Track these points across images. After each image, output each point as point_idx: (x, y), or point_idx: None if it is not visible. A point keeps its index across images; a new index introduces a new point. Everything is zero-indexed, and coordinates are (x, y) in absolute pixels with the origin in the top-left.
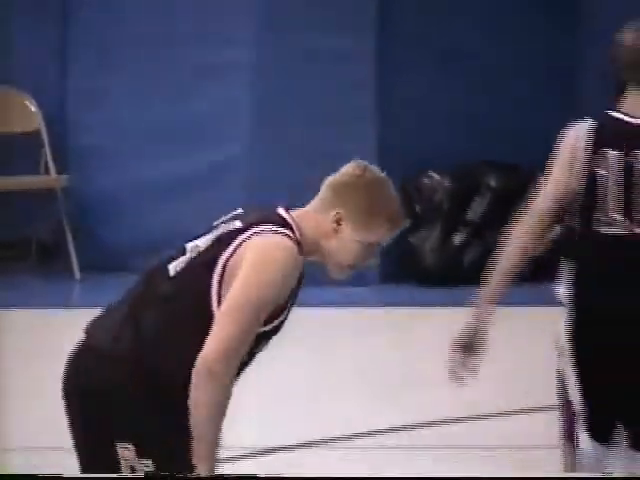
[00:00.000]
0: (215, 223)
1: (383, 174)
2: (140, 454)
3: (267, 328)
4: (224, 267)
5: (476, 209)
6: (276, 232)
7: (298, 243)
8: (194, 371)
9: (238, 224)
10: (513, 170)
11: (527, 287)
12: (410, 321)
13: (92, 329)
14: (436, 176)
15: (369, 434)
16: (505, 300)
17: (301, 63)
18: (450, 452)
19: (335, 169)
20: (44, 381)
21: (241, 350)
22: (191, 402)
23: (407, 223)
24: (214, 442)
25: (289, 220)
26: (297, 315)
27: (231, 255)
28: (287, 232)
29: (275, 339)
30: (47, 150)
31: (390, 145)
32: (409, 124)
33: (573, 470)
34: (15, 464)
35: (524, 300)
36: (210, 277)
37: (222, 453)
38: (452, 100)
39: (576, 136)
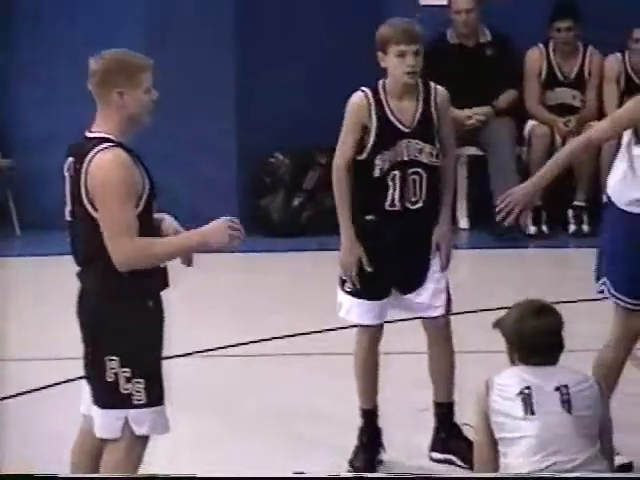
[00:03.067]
0: (67, 176)
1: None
2: (122, 365)
3: (141, 208)
4: (87, 195)
5: (310, 180)
6: (99, 151)
7: (118, 143)
8: (123, 270)
9: (72, 159)
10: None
11: None
12: (262, 263)
13: None
14: (280, 156)
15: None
16: None
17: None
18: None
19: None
20: None
21: (129, 229)
22: (153, 262)
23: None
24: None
25: (99, 135)
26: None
27: (87, 184)
28: (105, 145)
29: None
30: None
31: (246, 135)
32: (260, 118)
33: None
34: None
35: None
36: (85, 208)
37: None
38: (293, 96)
39: None
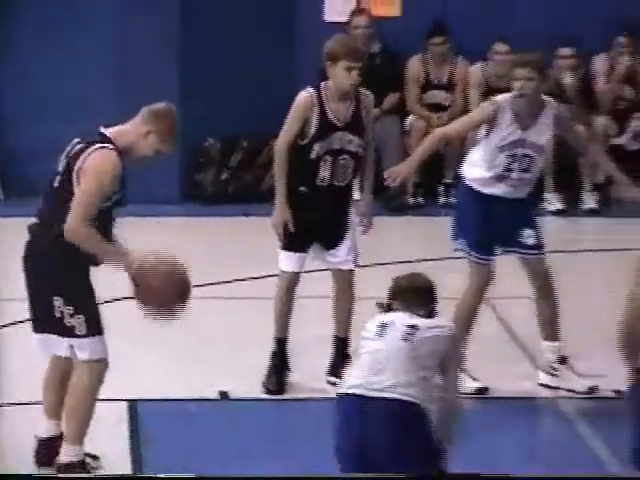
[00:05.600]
0: (66, 151)
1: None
2: (66, 304)
3: (108, 203)
4: (77, 173)
5: (234, 160)
6: (102, 147)
7: (117, 150)
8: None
9: (80, 146)
10: (257, 136)
11: None
12: (197, 225)
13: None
14: (212, 141)
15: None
16: None
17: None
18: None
19: None
20: None
21: (89, 212)
22: (86, 248)
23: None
24: (115, 252)
25: (109, 136)
26: (136, 220)
27: (81, 165)
28: (109, 145)
29: None
30: None
31: (186, 125)
32: (198, 111)
33: None
34: None
35: None
36: (71, 181)
37: None
38: (223, 94)
39: None
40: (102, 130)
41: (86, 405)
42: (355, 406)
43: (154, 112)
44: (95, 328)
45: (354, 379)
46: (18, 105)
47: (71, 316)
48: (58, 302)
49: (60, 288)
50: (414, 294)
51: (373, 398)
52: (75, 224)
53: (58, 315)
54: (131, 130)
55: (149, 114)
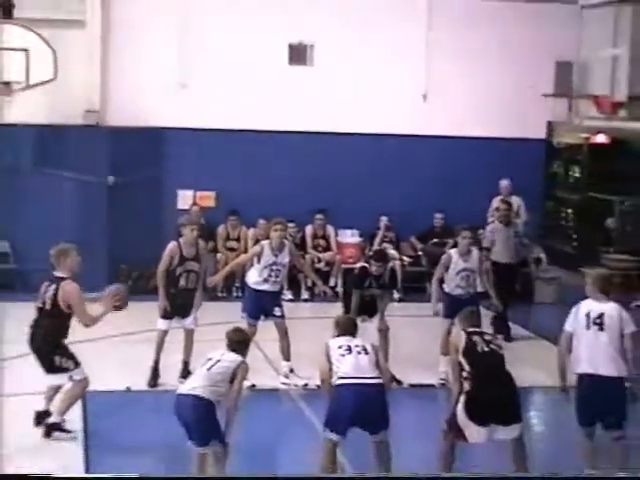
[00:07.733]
0: (44, 288)
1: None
2: (61, 357)
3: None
4: (55, 297)
5: (135, 273)
6: (68, 283)
7: (74, 279)
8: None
9: (48, 283)
10: (148, 264)
11: None
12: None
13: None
14: (124, 265)
15: None
16: None
17: None
18: None
19: None
20: None
21: (87, 312)
22: (93, 323)
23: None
24: (101, 313)
25: (62, 275)
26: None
27: (56, 294)
28: (68, 280)
29: None
30: None
31: (112, 257)
32: (120, 248)
33: None
34: None
35: None
36: (56, 304)
37: None
38: (133, 243)
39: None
40: (56, 274)
41: (74, 400)
42: (178, 399)
43: (54, 252)
44: (76, 364)
45: (183, 384)
46: None
47: (65, 362)
48: (57, 357)
49: (56, 351)
50: (230, 341)
51: (185, 394)
52: (86, 318)
53: (57, 364)
54: (62, 267)
55: (54, 254)
